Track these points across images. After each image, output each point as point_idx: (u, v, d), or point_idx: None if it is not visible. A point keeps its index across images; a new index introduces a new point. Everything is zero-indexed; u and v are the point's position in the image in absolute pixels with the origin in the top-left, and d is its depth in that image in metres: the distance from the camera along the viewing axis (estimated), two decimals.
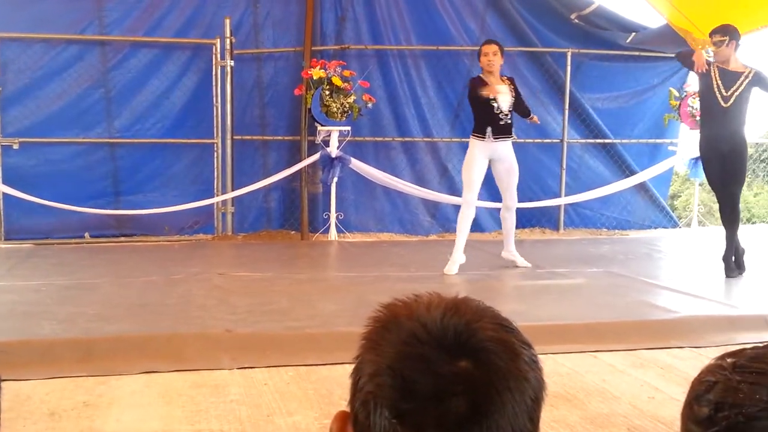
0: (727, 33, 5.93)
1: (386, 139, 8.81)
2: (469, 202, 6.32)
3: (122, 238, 8.11)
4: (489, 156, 6.24)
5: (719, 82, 5.90)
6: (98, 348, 3.81)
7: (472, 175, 6.24)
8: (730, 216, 6.14)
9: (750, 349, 0.85)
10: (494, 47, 6.20)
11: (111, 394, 3.29)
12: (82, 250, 7.41)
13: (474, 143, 6.24)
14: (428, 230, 8.79)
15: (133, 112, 8.24)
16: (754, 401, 0.78)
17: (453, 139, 8.87)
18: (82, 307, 4.65)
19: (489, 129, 6.13)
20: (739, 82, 5.85)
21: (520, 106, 6.36)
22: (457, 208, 8.89)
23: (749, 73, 5.87)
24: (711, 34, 6.02)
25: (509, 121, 6.22)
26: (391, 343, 0.83)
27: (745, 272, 6.10)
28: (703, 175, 9.17)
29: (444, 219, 8.93)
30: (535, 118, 6.58)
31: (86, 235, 8.01)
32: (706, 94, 6.05)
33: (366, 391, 0.82)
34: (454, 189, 8.84)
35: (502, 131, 6.19)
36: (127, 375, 3.52)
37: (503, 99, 6.12)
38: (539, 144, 9.17)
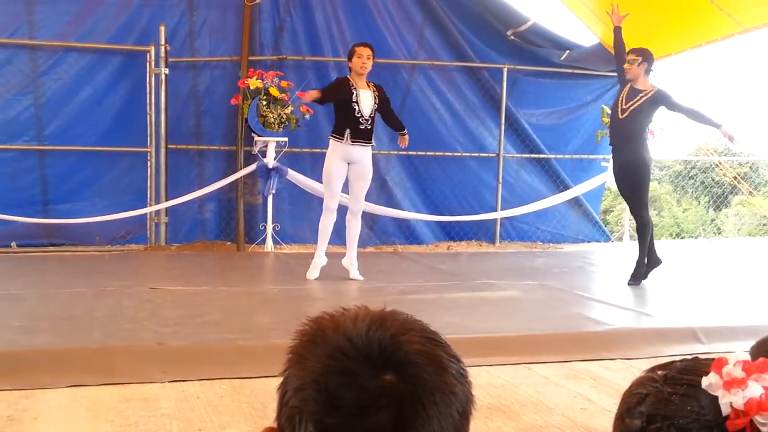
0: (641, 54, 6.44)
1: (324, 150, 8.76)
2: (332, 209, 6.36)
3: (51, 248, 7.88)
4: (346, 159, 6.22)
5: (624, 96, 6.39)
6: (23, 361, 3.68)
7: (332, 179, 6.26)
8: (637, 227, 6.65)
9: (679, 361, 0.87)
10: (369, 51, 6.21)
11: (36, 408, 3.18)
12: (8, 260, 7.17)
13: (332, 145, 6.25)
14: (366, 242, 8.78)
15: (64, 120, 8.03)
16: (686, 413, 0.80)
17: (391, 152, 8.89)
18: (7, 319, 4.49)
19: (348, 131, 6.13)
20: (638, 98, 6.29)
21: (388, 116, 6.43)
22: (397, 221, 8.94)
23: (651, 91, 6.30)
24: (627, 53, 6.50)
25: (369, 127, 6.20)
26: (317, 356, 0.81)
27: (639, 283, 6.37)
28: None
29: (382, 232, 8.94)
30: (406, 137, 6.57)
31: (13, 244, 7.76)
32: (613, 108, 6.60)
33: (291, 405, 0.80)
34: (393, 202, 8.86)
35: (361, 136, 6.17)
36: (53, 389, 3.40)
37: (365, 103, 6.15)
38: (476, 158, 9.28)
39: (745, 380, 0.77)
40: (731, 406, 0.77)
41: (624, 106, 6.39)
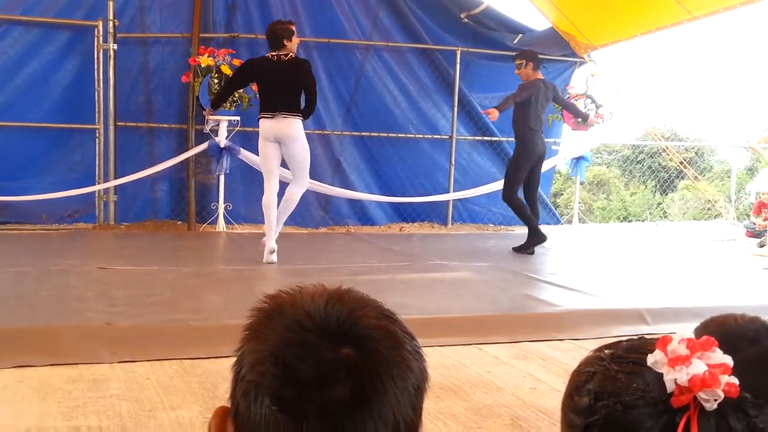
0: (524, 57, 7.34)
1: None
2: (272, 191, 6.27)
3: None
4: (275, 137, 6.13)
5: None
6: None
7: (266, 160, 6.26)
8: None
9: (625, 341, 0.89)
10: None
11: None
12: None
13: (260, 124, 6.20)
14: (319, 223, 8.77)
15: (8, 95, 7.84)
16: (631, 390, 0.81)
17: (344, 132, 8.87)
18: None
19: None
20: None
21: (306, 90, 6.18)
22: (351, 202, 8.93)
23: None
24: (513, 59, 7.43)
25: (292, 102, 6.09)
26: (274, 330, 0.82)
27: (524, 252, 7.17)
28: (583, 174, 9.57)
29: (335, 213, 8.93)
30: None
31: None
32: (534, 103, 7.29)
33: (247, 380, 0.80)
34: (347, 183, 8.85)
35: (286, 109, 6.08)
36: None
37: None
38: (429, 140, 9.30)
39: (689, 357, 0.79)
40: (675, 382, 0.79)
41: (518, 101, 7.27)
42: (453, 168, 9.28)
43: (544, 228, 9.55)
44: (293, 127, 6.06)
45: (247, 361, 0.81)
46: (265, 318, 0.84)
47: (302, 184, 6.34)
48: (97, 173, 8.05)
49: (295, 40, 6.19)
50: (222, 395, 3.09)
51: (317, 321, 0.81)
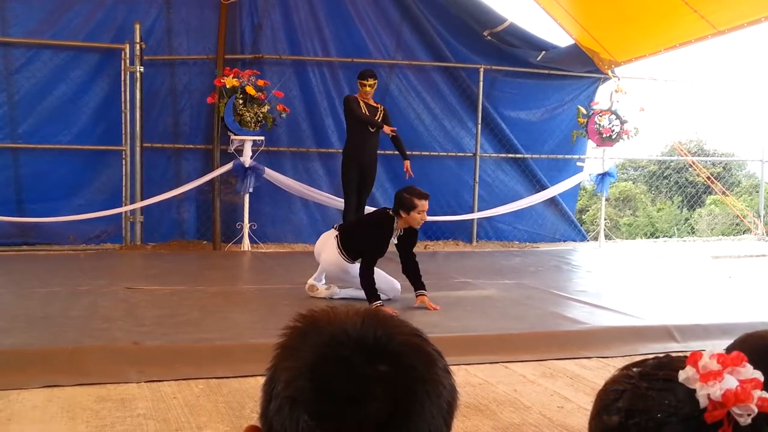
0: (377, 77, 7.48)
1: (301, 149, 8.78)
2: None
3: (25, 247, 7.80)
4: None
5: (366, 111, 7.28)
6: None
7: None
8: None
9: (652, 359, 0.88)
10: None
11: (10, 409, 3.14)
12: None
13: None
14: None
15: (38, 118, 7.96)
16: (663, 406, 0.81)
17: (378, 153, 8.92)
18: None
19: None
20: (378, 112, 7.36)
21: None
22: None
23: (381, 107, 7.48)
24: (368, 77, 7.29)
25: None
26: (311, 346, 0.82)
27: None
28: (606, 191, 9.50)
29: None
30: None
31: None
32: (361, 125, 7.30)
33: (283, 396, 0.80)
34: (373, 201, 8.86)
35: None
36: (27, 389, 3.37)
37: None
38: (455, 158, 9.30)
39: (721, 373, 0.79)
40: (709, 398, 0.78)
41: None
42: (477, 186, 9.27)
43: (570, 245, 9.52)
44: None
45: (282, 378, 0.81)
46: (300, 335, 0.84)
47: None
48: (123, 194, 8.14)
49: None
50: (248, 414, 3.10)
51: (354, 338, 0.81)
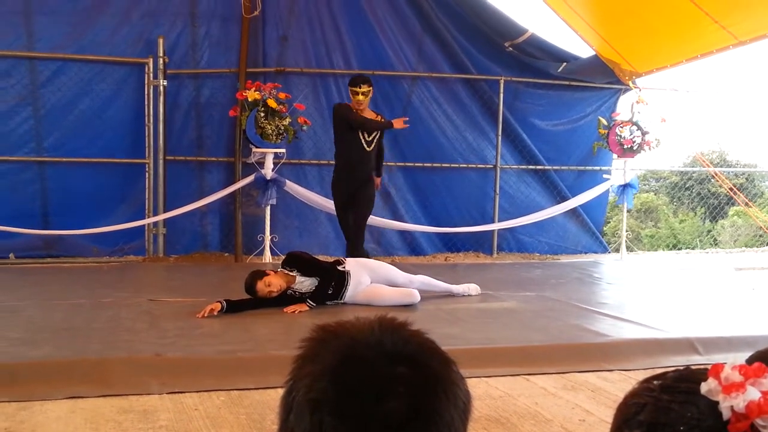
0: (371, 84, 6.66)
1: (322, 162, 8.80)
2: None
3: (49, 260, 7.87)
4: None
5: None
6: (21, 373, 3.68)
7: None
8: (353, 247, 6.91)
9: (672, 372, 0.89)
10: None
11: (34, 420, 3.18)
12: (6, 271, 7.17)
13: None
14: (372, 255, 8.76)
15: (63, 132, 8.06)
16: (686, 419, 0.81)
17: (397, 164, 8.94)
18: (5, 331, 4.49)
19: None
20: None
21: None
22: (401, 233, 8.95)
23: (382, 119, 6.79)
24: (360, 84, 6.57)
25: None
26: (331, 352, 0.84)
27: None
28: (630, 202, 9.42)
29: (388, 245, 8.95)
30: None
31: (11, 255, 7.76)
32: (350, 142, 6.69)
33: (305, 401, 0.82)
34: (398, 214, 8.88)
35: None
36: (51, 400, 3.41)
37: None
38: (477, 170, 9.30)
39: (743, 384, 0.79)
40: (732, 409, 0.78)
41: (368, 138, 6.68)
42: (497, 197, 9.25)
43: (591, 257, 9.47)
44: None
45: (303, 384, 0.83)
46: (318, 344, 0.87)
47: None
48: (147, 207, 8.20)
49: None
50: (269, 426, 3.11)
51: (372, 341, 0.84)
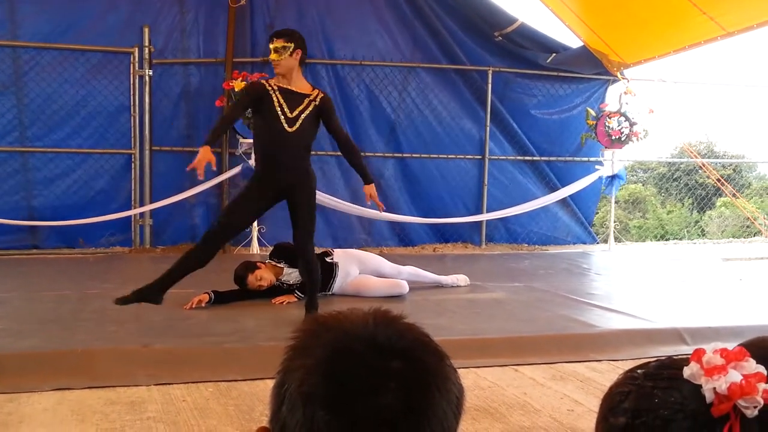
0: (292, 39, 4.72)
1: (312, 153, 8.74)
2: None
3: (34, 251, 7.82)
4: None
5: (282, 101, 4.75)
6: (7, 364, 3.65)
7: None
8: (306, 267, 5.03)
9: (654, 361, 0.90)
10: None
11: (21, 412, 3.16)
12: None
13: None
14: (361, 246, 8.76)
15: (47, 121, 7.98)
16: (669, 404, 0.82)
17: (385, 154, 8.93)
18: None
19: None
20: (305, 103, 4.78)
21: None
22: (391, 223, 8.93)
23: (317, 96, 4.83)
24: (272, 38, 4.76)
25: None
26: (323, 345, 0.83)
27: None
28: (613, 192, 9.41)
29: (378, 235, 8.93)
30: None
31: None
32: (267, 116, 4.75)
33: (297, 394, 0.81)
34: (387, 205, 8.86)
35: None
36: (38, 392, 3.38)
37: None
38: (468, 160, 9.28)
39: (725, 367, 0.80)
40: (715, 391, 0.79)
41: (291, 115, 4.73)
42: (486, 188, 9.25)
43: (580, 247, 9.49)
44: None
45: (295, 377, 0.82)
46: (310, 336, 0.86)
47: None
48: (132, 198, 8.15)
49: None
50: (258, 417, 3.10)
51: (365, 335, 0.84)
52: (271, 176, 4.82)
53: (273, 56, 4.72)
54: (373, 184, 5.13)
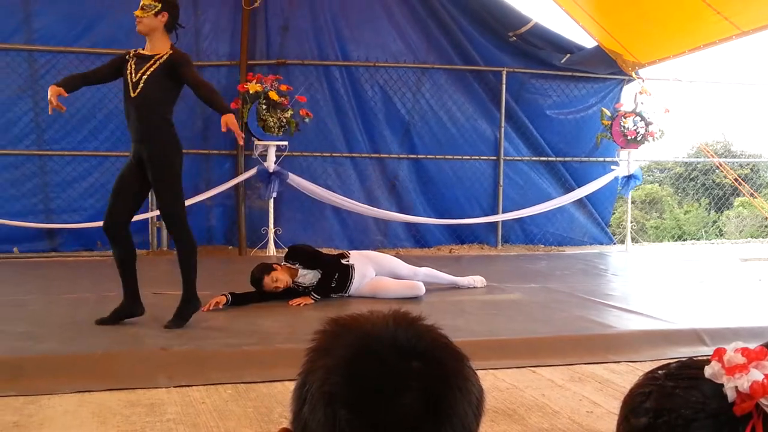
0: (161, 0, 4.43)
1: (325, 154, 8.79)
2: None
3: (53, 254, 7.88)
4: None
5: (132, 67, 4.47)
6: (28, 367, 3.68)
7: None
8: (179, 251, 4.75)
9: (675, 362, 0.89)
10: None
11: (42, 414, 3.18)
12: (10, 266, 7.18)
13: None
14: (378, 248, 8.78)
15: (64, 124, 8.03)
16: (691, 403, 0.81)
17: (400, 156, 8.93)
18: (11, 325, 4.49)
19: None
20: (150, 63, 4.43)
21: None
22: (406, 224, 8.93)
23: (165, 54, 4.46)
24: None
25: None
26: (344, 345, 0.84)
27: (183, 325, 4.54)
28: (629, 193, 9.33)
29: (394, 237, 8.94)
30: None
31: (15, 249, 7.77)
32: (124, 87, 4.53)
33: (319, 394, 0.82)
34: (402, 206, 8.87)
35: None
36: (58, 394, 3.41)
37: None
38: (484, 161, 9.26)
39: (746, 366, 0.80)
40: (737, 390, 0.79)
41: (134, 79, 4.41)
42: (501, 189, 9.24)
43: (597, 248, 9.45)
44: None
45: (316, 377, 0.83)
46: (331, 337, 0.86)
47: None
48: (150, 200, 8.18)
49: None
50: (276, 419, 3.11)
51: (386, 336, 0.84)
52: (132, 151, 4.52)
53: (137, 12, 4.43)
54: (231, 114, 4.58)
